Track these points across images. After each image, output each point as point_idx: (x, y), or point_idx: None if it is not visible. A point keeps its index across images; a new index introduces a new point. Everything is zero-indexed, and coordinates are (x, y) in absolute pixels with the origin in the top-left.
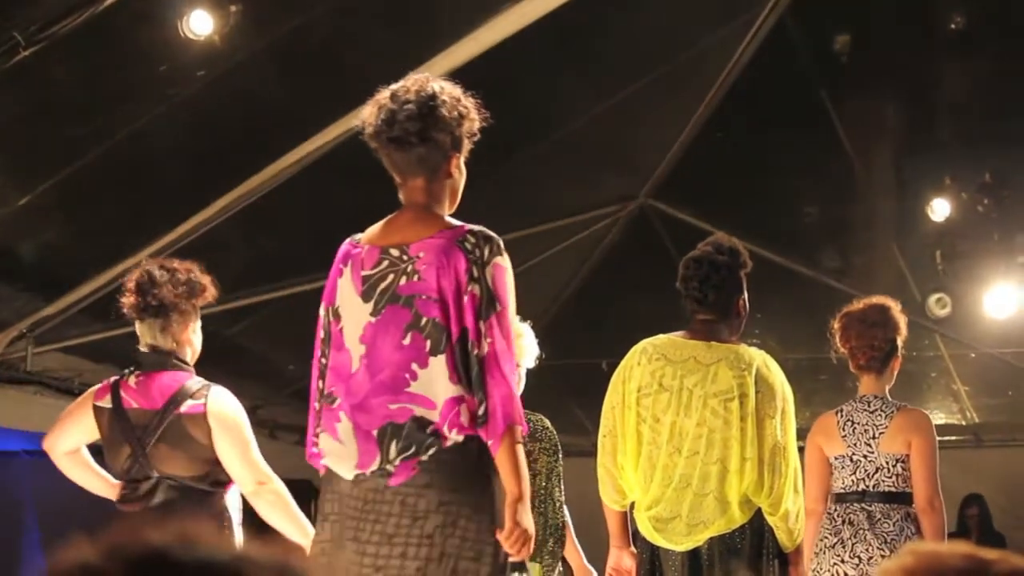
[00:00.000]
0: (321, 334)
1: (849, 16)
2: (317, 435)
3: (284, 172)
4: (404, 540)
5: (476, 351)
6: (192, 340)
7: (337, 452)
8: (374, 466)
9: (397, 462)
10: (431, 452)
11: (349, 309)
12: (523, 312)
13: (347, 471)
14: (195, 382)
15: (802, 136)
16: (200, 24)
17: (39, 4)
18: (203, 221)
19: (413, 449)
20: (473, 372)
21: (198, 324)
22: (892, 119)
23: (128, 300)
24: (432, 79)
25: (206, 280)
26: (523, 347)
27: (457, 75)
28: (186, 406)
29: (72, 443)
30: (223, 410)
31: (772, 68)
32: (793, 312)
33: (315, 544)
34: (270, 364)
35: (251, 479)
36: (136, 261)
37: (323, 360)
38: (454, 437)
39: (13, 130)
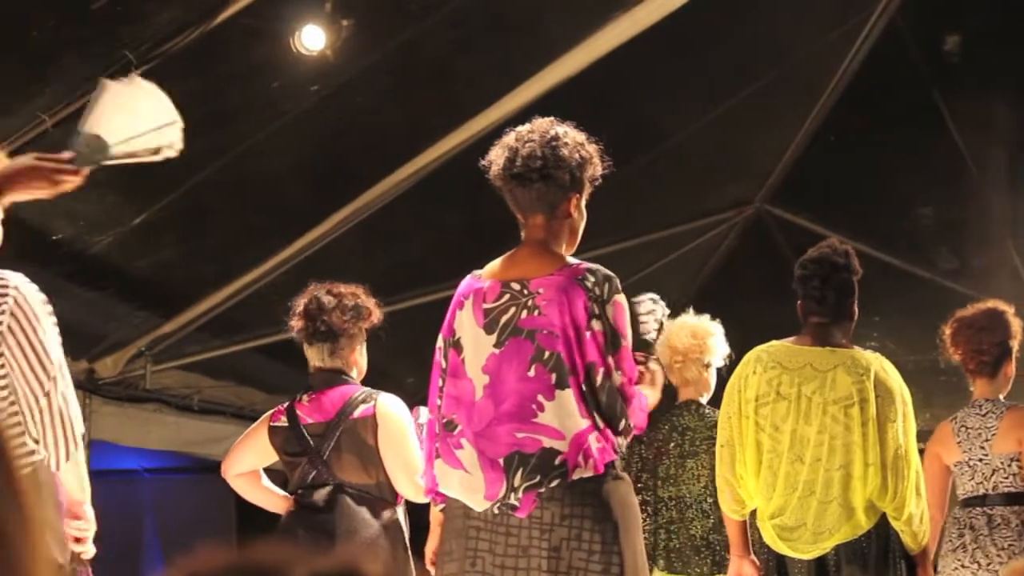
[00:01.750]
0: (442, 363)
1: (959, 15)
2: (434, 463)
3: (399, 185)
4: (537, 552)
5: (609, 383)
6: (359, 361)
7: (463, 482)
8: (500, 494)
9: (521, 493)
10: (556, 483)
11: (471, 340)
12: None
13: (477, 503)
14: (364, 391)
15: (915, 137)
16: (312, 39)
17: (150, 23)
18: (319, 236)
19: (538, 479)
20: (603, 401)
21: (364, 346)
22: (1006, 117)
23: (297, 325)
24: (556, 123)
25: (371, 303)
26: (712, 346)
27: (569, 85)
28: (358, 411)
29: (246, 465)
30: (390, 412)
31: (884, 70)
32: (911, 314)
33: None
34: (389, 377)
35: (412, 484)
36: (253, 277)
37: (442, 387)
38: (581, 471)
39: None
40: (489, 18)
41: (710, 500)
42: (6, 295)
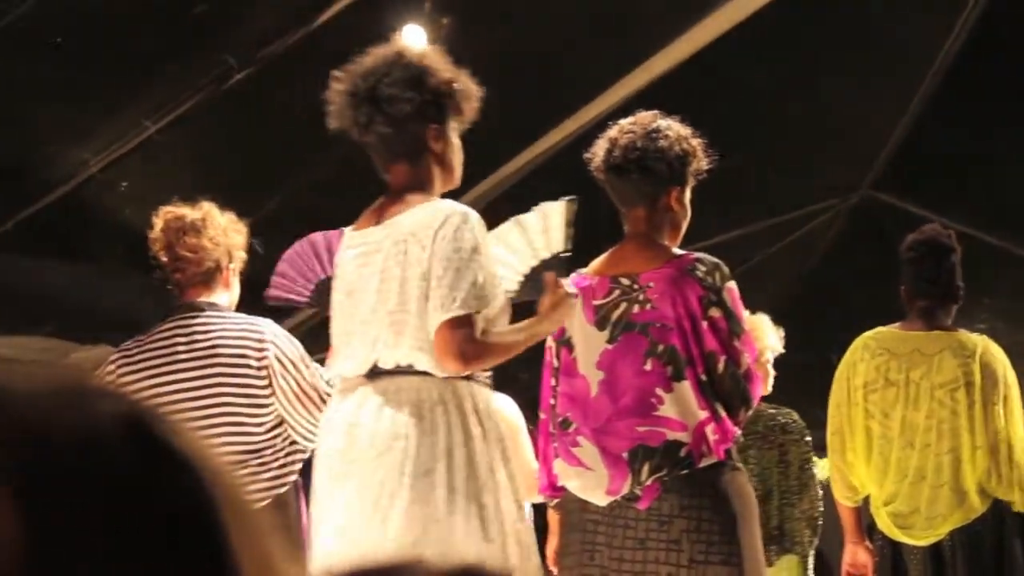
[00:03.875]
0: (554, 362)
1: None
2: (551, 463)
3: (504, 181)
4: (655, 545)
5: (732, 370)
6: None
7: (583, 479)
8: (625, 490)
9: (647, 483)
10: (682, 473)
11: (582, 338)
12: (750, 308)
13: (599, 498)
14: None
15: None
16: (413, 38)
17: (250, 26)
18: None
19: (665, 471)
20: (725, 389)
21: None
22: None
23: None
24: (660, 116)
25: None
26: (761, 338)
27: (671, 77)
28: None
29: None
30: (504, 415)
31: (989, 49)
32: (1021, 295)
33: (564, 570)
34: (503, 371)
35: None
36: None
37: (555, 386)
38: (706, 460)
39: (233, 154)
40: (589, 11)
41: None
42: (264, 345)
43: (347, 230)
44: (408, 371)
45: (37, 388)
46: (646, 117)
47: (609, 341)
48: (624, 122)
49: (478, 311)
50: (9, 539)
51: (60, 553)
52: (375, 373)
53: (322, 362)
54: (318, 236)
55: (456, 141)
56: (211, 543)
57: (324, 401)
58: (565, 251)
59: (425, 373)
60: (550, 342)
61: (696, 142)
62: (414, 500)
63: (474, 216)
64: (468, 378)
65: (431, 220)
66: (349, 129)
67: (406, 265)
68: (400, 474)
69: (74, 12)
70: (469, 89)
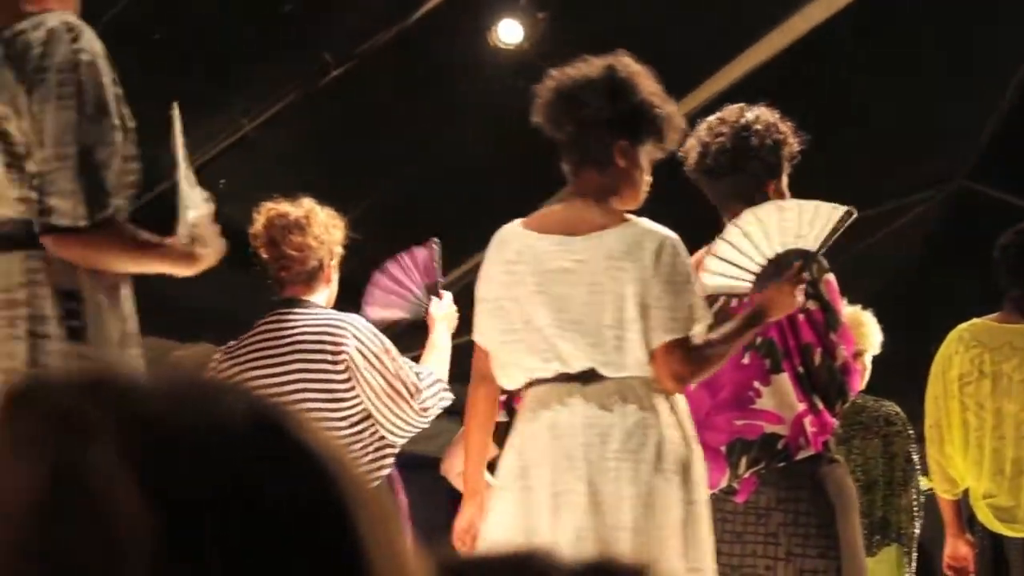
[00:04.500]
0: None
1: None
2: None
3: None
4: (752, 539)
5: (829, 362)
6: None
7: None
8: (723, 483)
9: (745, 476)
10: (779, 466)
11: None
12: (849, 301)
13: None
14: None
15: None
16: (510, 33)
17: (345, 23)
18: None
19: (762, 464)
20: (822, 381)
21: None
22: None
23: None
24: (748, 109)
25: None
26: (866, 335)
27: (767, 67)
28: None
29: None
30: None
31: None
32: None
33: None
34: None
35: None
36: (462, 272)
37: None
38: (803, 452)
39: (329, 150)
40: (685, 1)
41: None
42: (342, 339)
43: (520, 225)
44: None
45: (164, 384)
46: (733, 113)
47: None
48: (711, 120)
49: (692, 332)
50: (139, 531)
51: (189, 545)
52: (595, 377)
53: (416, 359)
54: (404, 256)
55: (646, 164)
56: (342, 536)
57: (413, 395)
58: (817, 251)
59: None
60: None
61: (785, 127)
62: (662, 491)
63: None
64: None
65: (648, 242)
66: (544, 125)
67: (623, 283)
68: (655, 468)
69: (171, 10)
70: (673, 117)
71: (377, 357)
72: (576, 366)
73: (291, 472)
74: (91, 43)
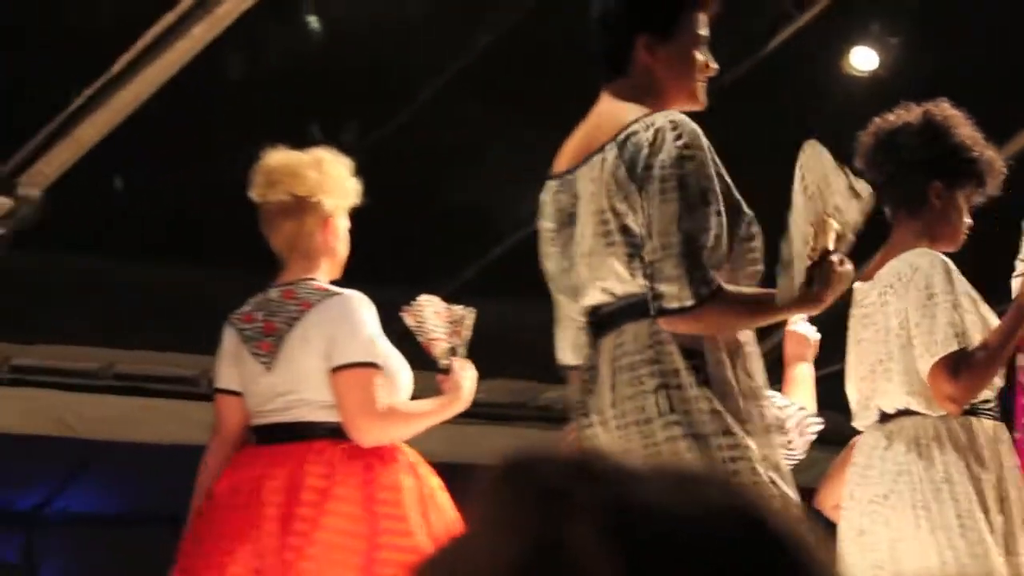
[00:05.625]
0: None
1: None
2: None
3: None
4: None
5: None
6: None
7: None
8: None
9: None
10: None
11: None
12: None
13: None
14: None
15: None
16: (863, 60)
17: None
18: None
19: None
20: None
21: None
22: None
23: None
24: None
25: None
26: None
27: None
28: None
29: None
30: None
31: None
32: None
33: None
34: None
35: None
36: None
37: None
38: None
39: None
40: None
41: None
42: None
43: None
44: (905, 413)
45: (652, 471)
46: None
47: None
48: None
49: (958, 348)
50: None
51: None
52: (883, 418)
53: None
54: None
55: (964, 207)
56: None
57: (778, 430)
58: None
59: (919, 413)
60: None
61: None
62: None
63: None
64: (970, 412)
65: (903, 271)
66: (864, 169)
67: (888, 316)
68: (911, 507)
69: (522, 55)
70: (993, 161)
71: None
72: (873, 413)
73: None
74: (694, 138)
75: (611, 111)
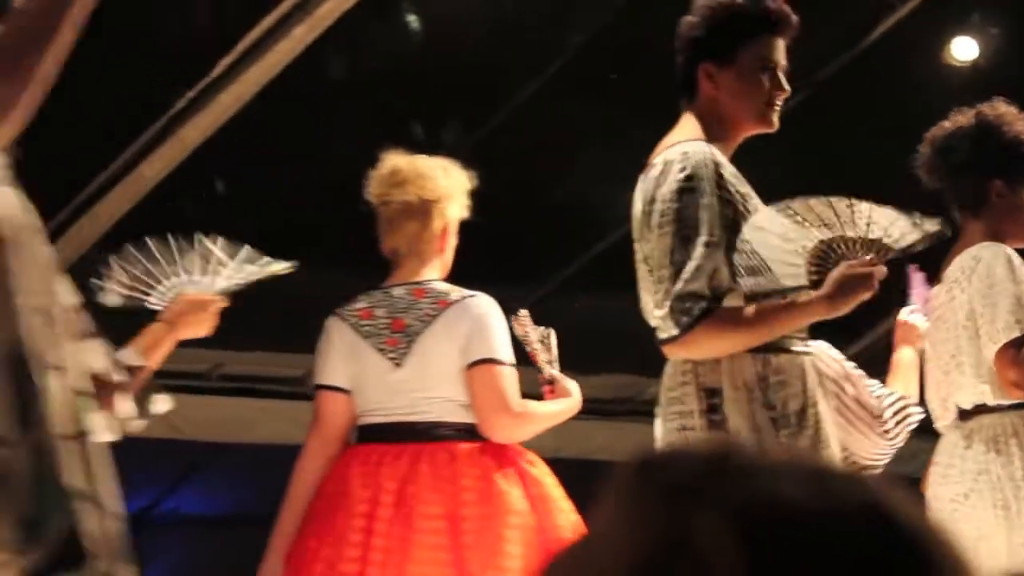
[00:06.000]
0: None
1: None
2: None
3: None
4: None
5: None
6: None
7: None
8: None
9: None
10: None
11: None
12: None
13: None
14: None
15: None
16: (964, 50)
17: (802, 48)
18: None
19: None
20: None
21: None
22: None
23: None
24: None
25: None
26: None
27: None
28: None
29: None
30: None
31: None
32: None
33: None
34: None
35: None
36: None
37: None
38: None
39: (791, 178)
40: None
41: None
42: None
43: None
44: (983, 409)
45: (786, 467)
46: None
47: None
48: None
49: (1020, 334)
50: None
51: None
52: (961, 415)
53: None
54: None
55: None
56: None
57: (876, 418)
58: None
59: (996, 409)
60: None
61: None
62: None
63: (1004, 251)
64: None
65: (966, 264)
66: (924, 179)
67: (955, 310)
68: (991, 506)
69: (623, 52)
70: None
71: (835, 381)
72: (952, 410)
73: (908, 571)
74: (698, 168)
75: (669, 135)
